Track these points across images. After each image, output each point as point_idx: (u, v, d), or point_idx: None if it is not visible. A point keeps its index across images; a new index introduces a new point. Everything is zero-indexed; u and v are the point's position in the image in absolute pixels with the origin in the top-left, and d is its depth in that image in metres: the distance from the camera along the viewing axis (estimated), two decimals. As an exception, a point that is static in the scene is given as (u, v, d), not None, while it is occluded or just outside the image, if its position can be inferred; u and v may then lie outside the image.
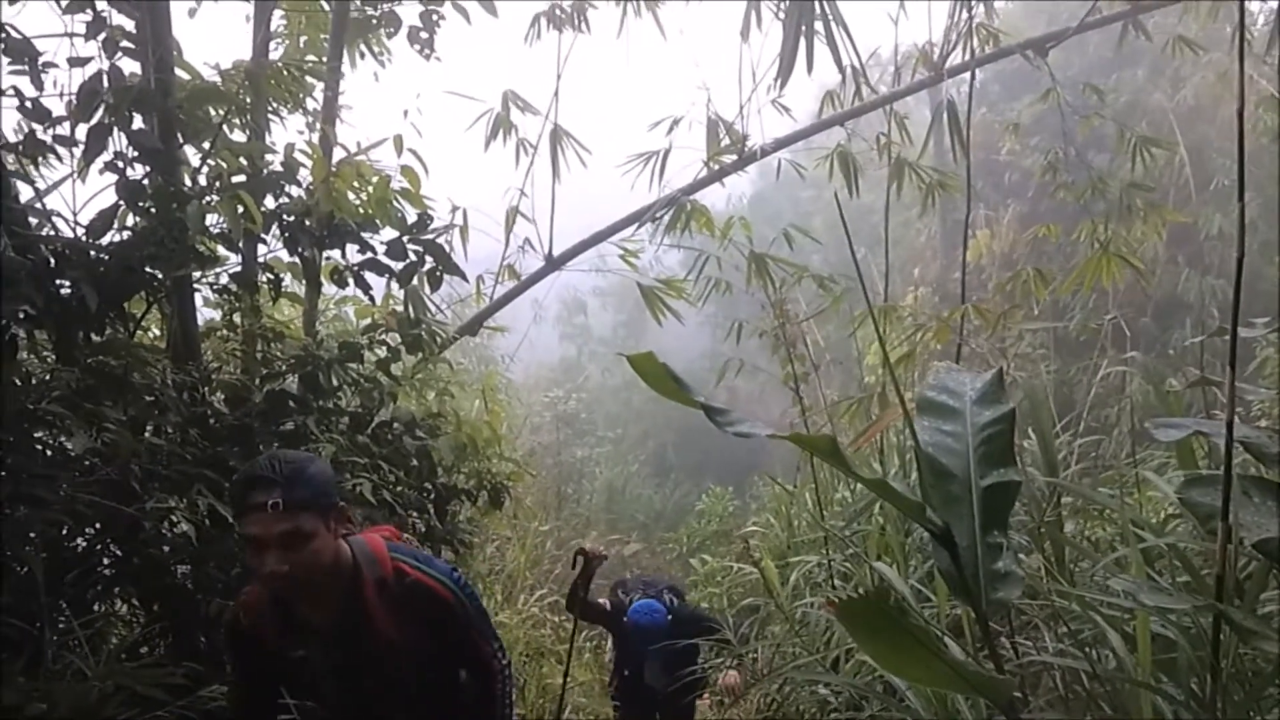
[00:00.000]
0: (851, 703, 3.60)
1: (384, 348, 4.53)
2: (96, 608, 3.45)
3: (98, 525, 3.29)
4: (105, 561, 3.49)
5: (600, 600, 4.95)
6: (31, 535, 2.92)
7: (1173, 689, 2.15)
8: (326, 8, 5.21)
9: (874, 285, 6.45)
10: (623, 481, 16.51)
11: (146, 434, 3.39)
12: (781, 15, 4.56)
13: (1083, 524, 3.76)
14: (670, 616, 4.83)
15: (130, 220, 3.63)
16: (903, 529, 4.27)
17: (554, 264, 5.72)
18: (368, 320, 4.59)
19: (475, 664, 2.60)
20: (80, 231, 3.47)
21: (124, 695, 2.79)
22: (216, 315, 4.18)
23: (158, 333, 4.12)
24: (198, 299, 3.97)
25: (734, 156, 5.70)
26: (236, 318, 4.06)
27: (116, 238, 3.57)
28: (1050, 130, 9.89)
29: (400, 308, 4.55)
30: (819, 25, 4.28)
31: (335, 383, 4.06)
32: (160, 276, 3.51)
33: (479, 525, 6.54)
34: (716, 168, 5.76)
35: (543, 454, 13.55)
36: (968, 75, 5.43)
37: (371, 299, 4.58)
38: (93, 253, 3.40)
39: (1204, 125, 12.02)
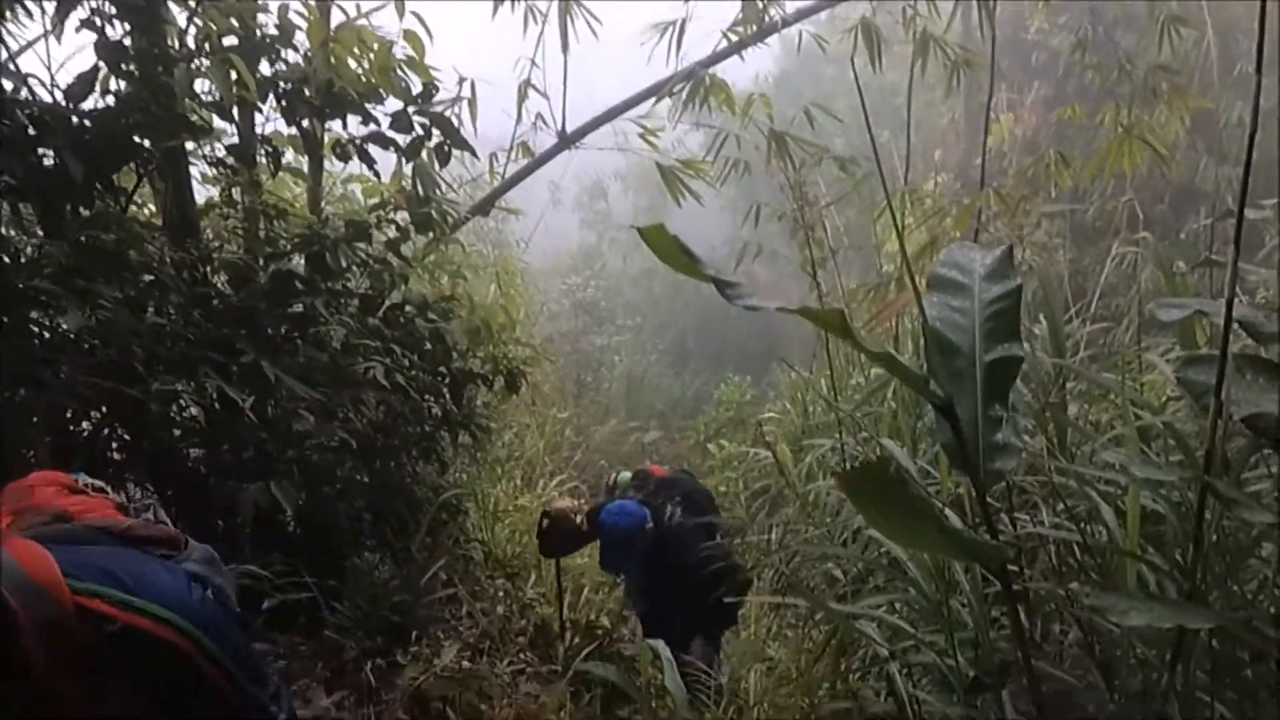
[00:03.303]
0: (859, 578, 3.66)
1: (393, 227, 4.46)
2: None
3: (104, 409, 3.28)
4: (114, 446, 3.48)
5: (576, 513, 4.76)
6: (34, 419, 2.90)
7: (1158, 559, 2.22)
8: None
9: (895, 170, 6.33)
10: (642, 370, 16.53)
11: (147, 315, 3.32)
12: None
13: (1086, 409, 3.75)
14: (654, 523, 4.50)
15: (114, 85, 3.46)
16: (913, 413, 4.27)
17: (568, 140, 5.60)
18: (375, 199, 4.52)
19: None
20: (59, 96, 3.31)
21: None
22: (215, 193, 4.05)
23: (153, 209, 4.01)
24: (194, 174, 3.85)
25: (754, 27, 5.52)
26: (236, 194, 3.95)
27: (100, 104, 3.41)
28: (1079, 8, 9.56)
29: (408, 185, 4.47)
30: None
31: (343, 263, 3.96)
32: (149, 147, 3.39)
33: (496, 411, 6.59)
34: (736, 39, 5.58)
35: (560, 341, 13.58)
36: (997, -54, 5.20)
37: (376, 174, 4.48)
38: (74, 119, 3.24)
39: (1234, 5, 11.64)
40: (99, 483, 1.73)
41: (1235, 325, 1.60)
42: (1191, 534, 1.79)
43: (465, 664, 4.06)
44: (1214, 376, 1.57)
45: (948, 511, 1.65)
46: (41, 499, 1.60)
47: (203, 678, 1.47)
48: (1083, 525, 2.49)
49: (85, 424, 3.38)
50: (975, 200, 4.08)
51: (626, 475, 6.65)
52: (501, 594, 5.28)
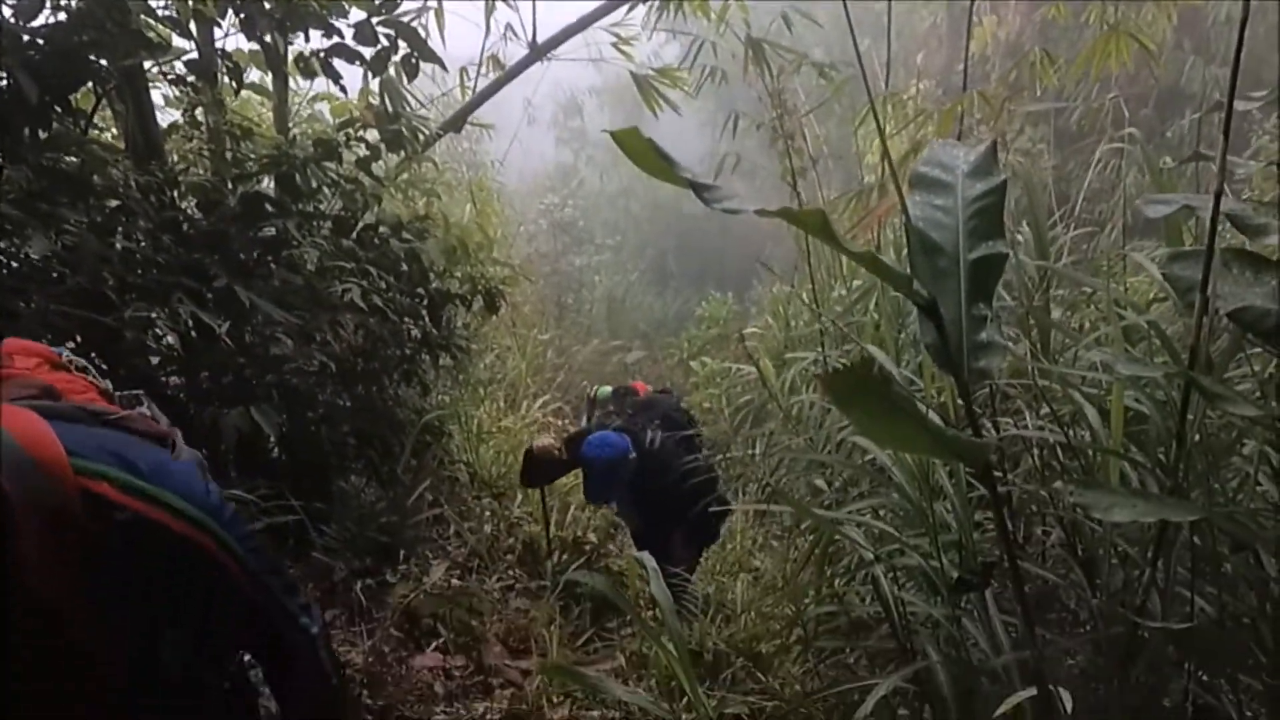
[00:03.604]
0: (843, 488, 3.68)
1: (363, 146, 4.36)
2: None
3: (78, 339, 3.22)
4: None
5: (554, 448, 4.71)
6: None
7: (1141, 457, 2.24)
8: None
9: (876, 76, 6.23)
10: (623, 290, 16.49)
11: (116, 241, 3.27)
12: None
13: (1070, 315, 3.75)
14: (635, 453, 4.44)
15: (65, 1, 3.30)
16: (896, 324, 4.26)
17: (539, 51, 5.50)
18: (344, 119, 4.42)
19: (265, 645, 1.51)
20: (8, 13, 3.18)
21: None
22: (179, 116, 3.94)
23: (115, 133, 3.93)
24: (156, 96, 3.78)
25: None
26: (200, 115, 3.86)
27: (51, 20, 3.25)
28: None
29: (376, 102, 4.38)
30: None
31: (314, 184, 3.89)
32: (106, 66, 3.28)
33: (477, 333, 6.56)
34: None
35: (540, 262, 13.50)
36: None
37: (343, 89, 4.37)
38: (25, 37, 3.11)
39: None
40: (82, 361, 1.53)
41: (1223, 220, 1.58)
42: (1175, 431, 1.79)
43: (455, 582, 4.11)
44: (1200, 272, 1.55)
45: (931, 413, 1.64)
46: (21, 369, 1.38)
47: (225, 580, 1.30)
48: (1066, 428, 2.50)
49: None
50: (957, 102, 4.01)
51: (607, 390, 6.69)
52: (488, 513, 5.32)
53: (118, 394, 1.43)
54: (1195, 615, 1.95)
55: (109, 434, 1.26)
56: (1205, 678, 2.04)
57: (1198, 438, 1.97)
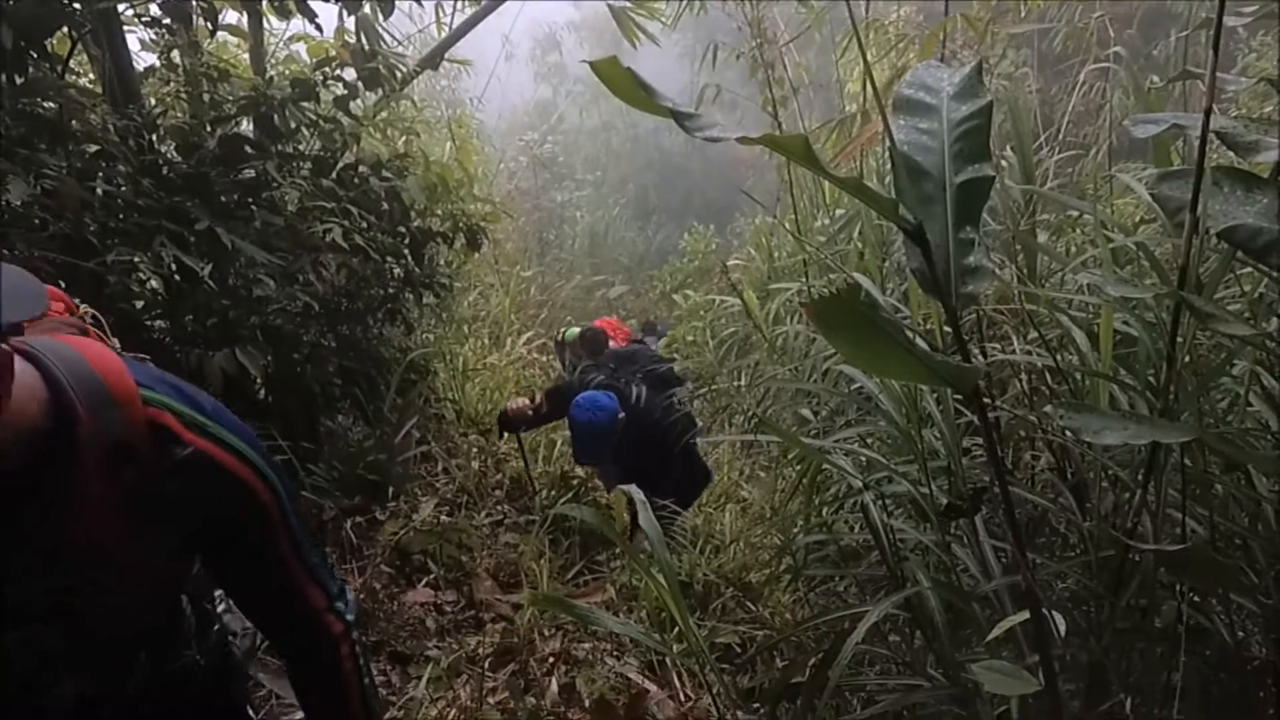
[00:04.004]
0: (829, 418, 3.71)
1: (340, 85, 4.31)
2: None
3: (61, 284, 3.21)
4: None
5: (527, 409, 4.68)
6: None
7: (1131, 380, 2.23)
8: None
9: (856, 3, 6.15)
10: (604, 225, 16.41)
11: (97, 186, 3.24)
12: None
13: (1056, 239, 3.75)
14: (623, 414, 4.39)
15: None
16: (880, 253, 4.26)
17: (515, -15, 5.39)
18: (321, 59, 4.35)
19: (292, 619, 1.43)
20: None
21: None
22: (155, 60, 3.88)
23: (93, 78, 3.86)
24: (132, 40, 3.69)
25: None
26: (175, 56, 3.80)
27: None
28: None
29: (353, 40, 4.31)
30: None
31: (292, 125, 3.85)
32: (81, 9, 3.23)
33: (460, 271, 6.53)
34: None
35: (521, 199, 13.42)
36: None
37: (319, 28, 4.30)
38: None
39: None
40: (94, 311, 1.50)
41: (1212, 139, 1.56)
42: (1165, 353, 1.78)
43: (444, 518, 4.14)
44: (1189, 191, 1.53)
45: (919, 340, 1.63)
46: (57, 311, 1.36)
47: (270, 529, 1.32)
48: (1054, 352, 2.51)
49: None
50: (942, 25, 3.97)
51: (574, 330, 6.66)
52: (475, 450, 5.35)
53: (131, 356, 1.36)
54: (1188, 537, 1.96)
55: (172, 378, 1.26)
56: (1197, 599, 2.05)
57: (1188, 358, 1.97)
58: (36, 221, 3.01)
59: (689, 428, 4.52)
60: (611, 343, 6.46)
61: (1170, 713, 1.89)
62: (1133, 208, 3.91)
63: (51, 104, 3.07)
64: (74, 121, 3.15)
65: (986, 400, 2.43)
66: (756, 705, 3.08)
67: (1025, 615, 1.59)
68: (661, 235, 17.22)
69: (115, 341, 1.48)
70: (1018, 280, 2.80)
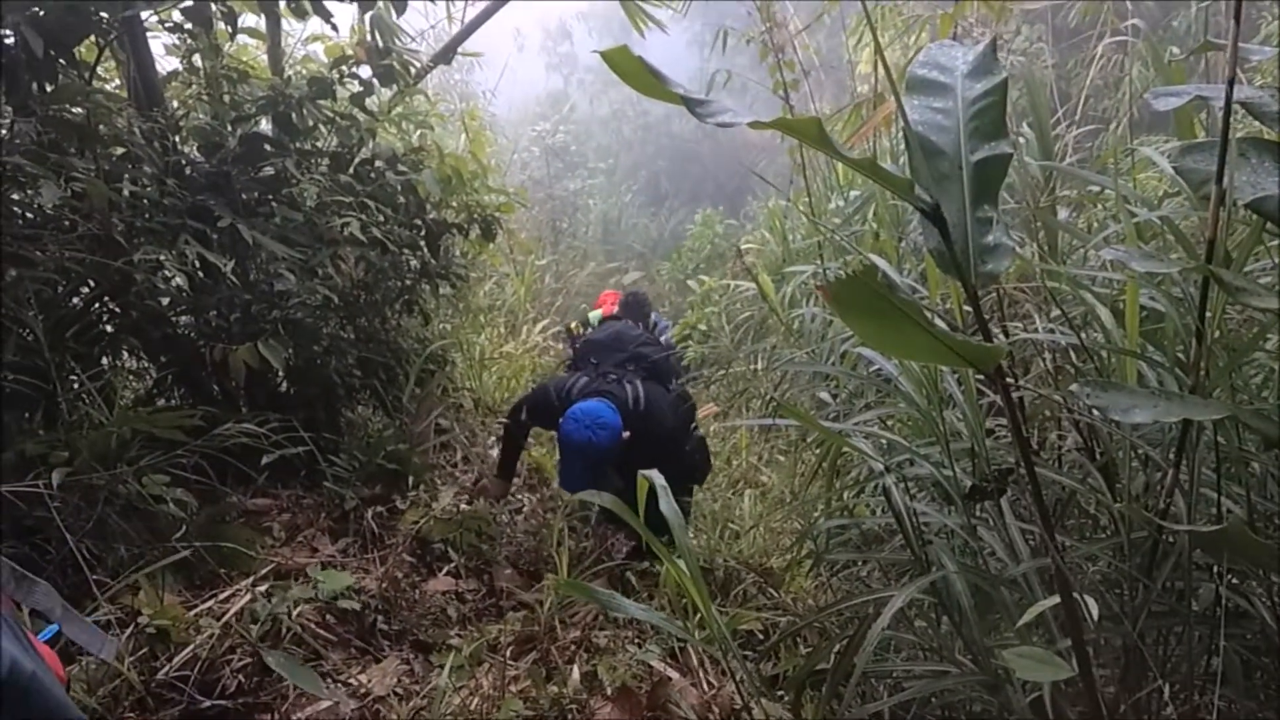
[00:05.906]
0: (848, 400, 3.69)
1: (356, 82, 4.35)
2: (105, 363, 3.50)
3: (91, 283, 3.28)
4: (105, 318, 3.49)
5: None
6: (28, 297, 2.89)
7: (1159, 356, 2.19)
8: None
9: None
10: (617, 212, 16.43)
11: (124, 187, 3.30)
12: None
13: (1076, 215, 3.72)
14: (627, 433, 3.82)
15: None
16: (896, 233, 4.24)
17: (526, -21, 5.39)
18: (337, 58, 4.39)
19: None
20: None
21: (142, 439, 2.87)
22: (179, 64, 3.93)
23: (118, 83, 3.93)
24: (156, 46, 3.75)
25: None
26: (197, 60, 3.86)
27: None
28: None
29: (368, 38, 4.34)
30: None
31: (309, 122, 3.92)
32: (107, 17, 3.27)
33: (475, 261, 6.55)
34: None
35: (534, 189, 13.44)
36: None
37: (334, 27, 4.34)
38: None
39: None
40: None
41: (1237, 110, 1.53)
42: (1194, 328, 1.74)
43: (463, 507, 4.15)
44: (1214, 163, 1.50)
45: (938, 320, 1.61)
46: None
47: None
48: (1079, 330, 2.46)
49: (75, 299, 3.38)
50: (960, 5, 3.93)
51: (597, 313, 6.25)
52: (493, 438, 5.36)
53: None
54: (1224, 517, 1.93)
55: None
56: (1236, 581, 2.01)
57: (1217, 334, 1.92)
58: (66, 223, 3.09)
59: (692, 418, 4.22)
60: (600, 313, 6.05)
61: (1211, 699, 1.85)
62: (1155, 182, 3.86)
63: (79, 109, 3.13)
64: (101, 125, 3.20)
65: (1010, 379, 2.41)
66: (780, 693, 3.08)
67: (1056, 599, 1.57)
68: (674, 221, 17.22)
69: None
70: (1039, 258, 2.77)
